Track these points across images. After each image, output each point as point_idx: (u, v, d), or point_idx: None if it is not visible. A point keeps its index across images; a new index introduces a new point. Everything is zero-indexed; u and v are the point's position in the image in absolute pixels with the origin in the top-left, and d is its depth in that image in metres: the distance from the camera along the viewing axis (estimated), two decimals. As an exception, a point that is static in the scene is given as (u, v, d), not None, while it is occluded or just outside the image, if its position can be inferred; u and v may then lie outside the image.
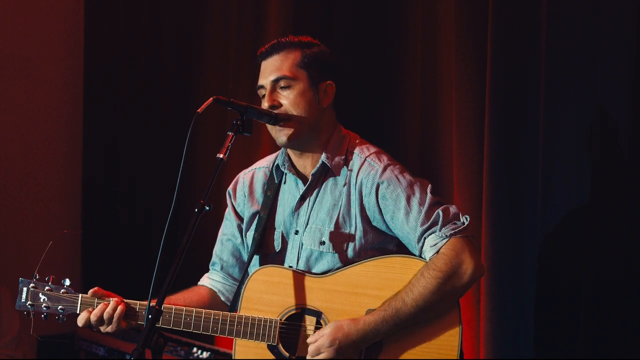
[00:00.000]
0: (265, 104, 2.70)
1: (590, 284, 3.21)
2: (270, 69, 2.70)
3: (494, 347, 3.44)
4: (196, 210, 2.45)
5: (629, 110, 3.15)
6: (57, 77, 5.20)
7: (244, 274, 2.80)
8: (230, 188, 2.94)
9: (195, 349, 4.12)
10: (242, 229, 2.89)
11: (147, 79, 5.15)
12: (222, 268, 2.93)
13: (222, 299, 2.91)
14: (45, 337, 5.02)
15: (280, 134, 2.70)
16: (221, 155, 2.52)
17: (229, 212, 2.93)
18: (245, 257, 2.88)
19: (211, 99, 2.52)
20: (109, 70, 5.26)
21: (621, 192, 3.17)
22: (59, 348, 4.98)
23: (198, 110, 2.45)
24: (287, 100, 2.68)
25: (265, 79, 2.71)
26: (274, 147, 4.42)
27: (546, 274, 3.34)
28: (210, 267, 2.97)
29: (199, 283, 2.95)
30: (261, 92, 2.74)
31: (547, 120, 3.32)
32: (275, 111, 2.68)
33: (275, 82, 2.69)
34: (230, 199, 2.92)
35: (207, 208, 2.46)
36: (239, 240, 2.90)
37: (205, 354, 4.07)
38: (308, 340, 2.58)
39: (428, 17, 3.79)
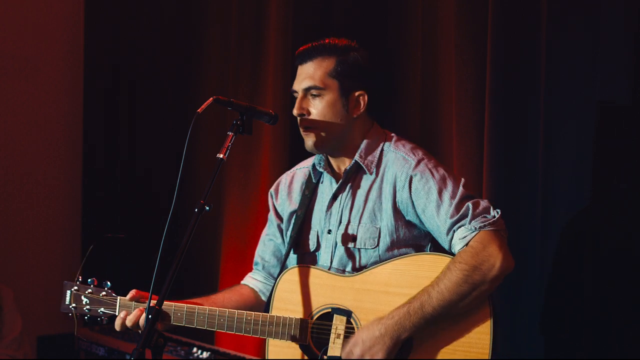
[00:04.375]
0: (294, 111, 2.73)
1: (590, 284, 3.21)
2: (304, 76, 2.72)
3: (495, 347, 3.43)
4: (196, 210, 2.45)
5: (629, 110, 3.15)
6: (57, 77, 5.20)
7: (279, 274, 2.82)
8: (272, 189, 2.99)
9: (195, 349, 4.11)
10: (282, 229, 2.93)
11: (147, 79, 5.15)
12: (263, 268, 2.97)
13: (263, 298, 2.94)
14: (45, 337, 5.05)
15: (306, 139, 2.75)
16: (221, 155, 2.53)
17: (270, 213, 2.98)
18: None
19: (211, 99, 2.53)
20: (109, 70, 5.26)
21: (621, 192, 3.17)
22: (59, 348, 4.98)
23: (198, 110, 2.46)
24: (316, 109, 2.71)
25: (298, 85, 2.73)
26: (274, 147, 4.45)
27: (547, 274, 3.34)
28: (254, 267, 3.01)
29: (242, 282, 2.99)
30: (294, 96, 2.77)
31: (547, 120, 3.32)
32: (301, 118, 2.72)
33: (306, 90, 2.71)
34: (272, 199, 2.97)
35: (207, 208, 2.47)
36: (279, 240, 2.94)
37: (205, 354, 4.07)
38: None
39: (428, 17, 3.79)
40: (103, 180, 5.29)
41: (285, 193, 2.93)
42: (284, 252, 2.91)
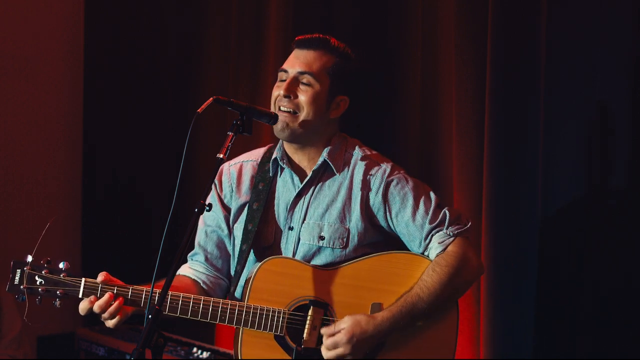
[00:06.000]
0: (280, 91, 2.74)
1: (590, 284, 3.21)
2: (301, 61, 2.75)
3: (494, 347, 3.44)
4: (196, 210, 2.45)
5: (629, 110, 3.15)
6: (57, 77, 5.20)
7: (243, 265, 2.79)
8: (215, 179, 2.88)
9: (195, 349, 4.12)
10: (228, 220, 2.87)
11: (147, 79, 5.15)
12: (206, 259, 2.88)
13: (205, 289, 2.88)
14: (45, 337, 5.05)
15: (280, 121, 2.73)
16: (221, 155, 2.53)
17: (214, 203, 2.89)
18: (230, 248, 2.87)
19: (211, 99, 2.52)
20: (109, 70, 5.25)
21: (621, 193, 3.17)
22: (59, 348, 4.98)
23: (198, 110, 2.46)
24: (304, 97, 2.73)
25: (292, 67, 2.75)
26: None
27: (546, 273, 3.35)
28: (191, 258, 2.92)
29: (180, 273, 2.88)
30: (281, 75, 2.78)
31: (547, 120, 3.32)
32: (285, 102, 2.72)
33: (300, 74, 2.74)
34: (216, 189, 2.89)
35: (207, 208, 2.46)
36: (225, 231, 2.87)
37: (205, 354, 4.07)
38: (324, 331, 2.62)
39: (428, 17, 3.80)
40: (103, 181, 5.29)
41: (232, 184, 2.88)
42: (227, 243, 2.88)
